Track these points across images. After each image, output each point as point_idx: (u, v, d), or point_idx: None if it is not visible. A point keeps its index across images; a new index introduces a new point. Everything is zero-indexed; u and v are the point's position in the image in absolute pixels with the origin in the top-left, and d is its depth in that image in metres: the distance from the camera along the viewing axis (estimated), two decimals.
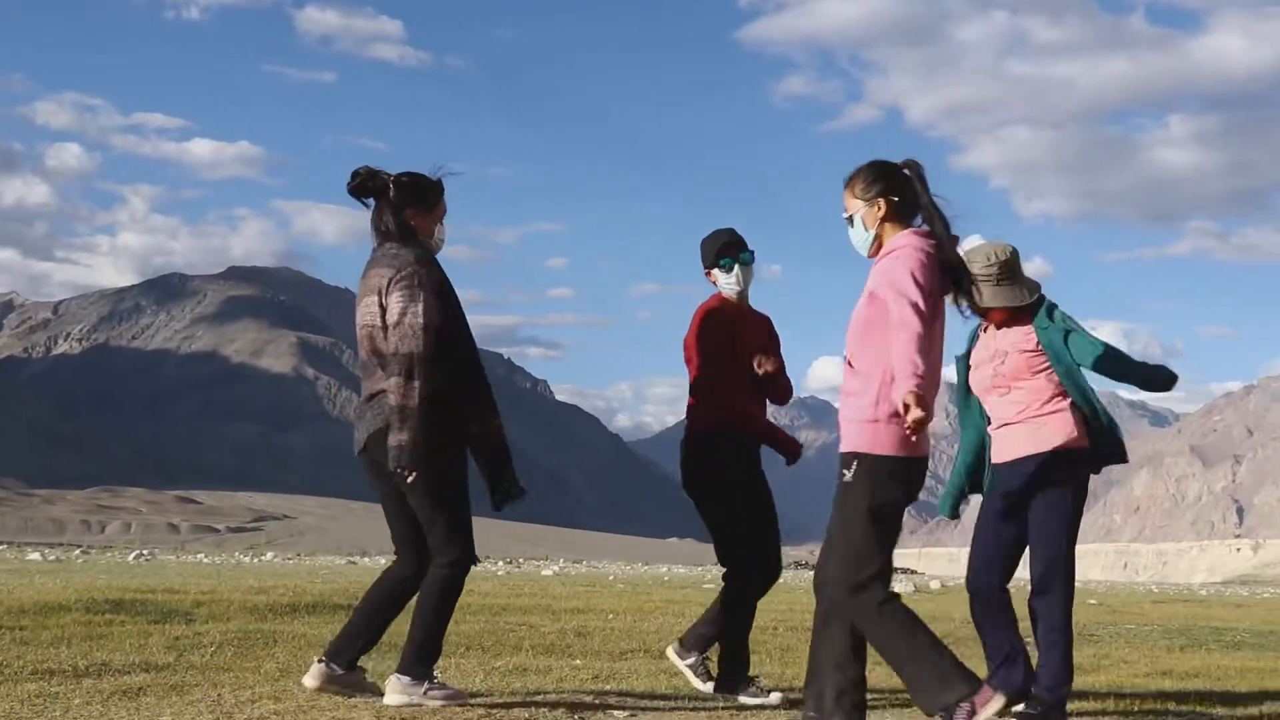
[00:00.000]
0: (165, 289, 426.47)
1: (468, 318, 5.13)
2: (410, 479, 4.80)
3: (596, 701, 5.37)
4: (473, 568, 5.11)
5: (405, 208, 5.03)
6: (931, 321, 4.23)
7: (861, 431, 4.28)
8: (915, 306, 4.13)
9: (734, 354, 5.54)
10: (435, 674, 5.08)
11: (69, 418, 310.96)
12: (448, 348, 4.89)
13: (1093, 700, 6.08)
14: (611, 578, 24.75)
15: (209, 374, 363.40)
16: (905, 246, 4.31)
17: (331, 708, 4.94)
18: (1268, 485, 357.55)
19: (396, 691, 4.96)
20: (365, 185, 5.05)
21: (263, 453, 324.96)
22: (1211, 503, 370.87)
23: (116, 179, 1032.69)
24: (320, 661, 5.12)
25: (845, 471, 4.28)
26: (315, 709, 4.90)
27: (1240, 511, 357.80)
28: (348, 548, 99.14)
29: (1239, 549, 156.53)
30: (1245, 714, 5.70)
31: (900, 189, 4.43)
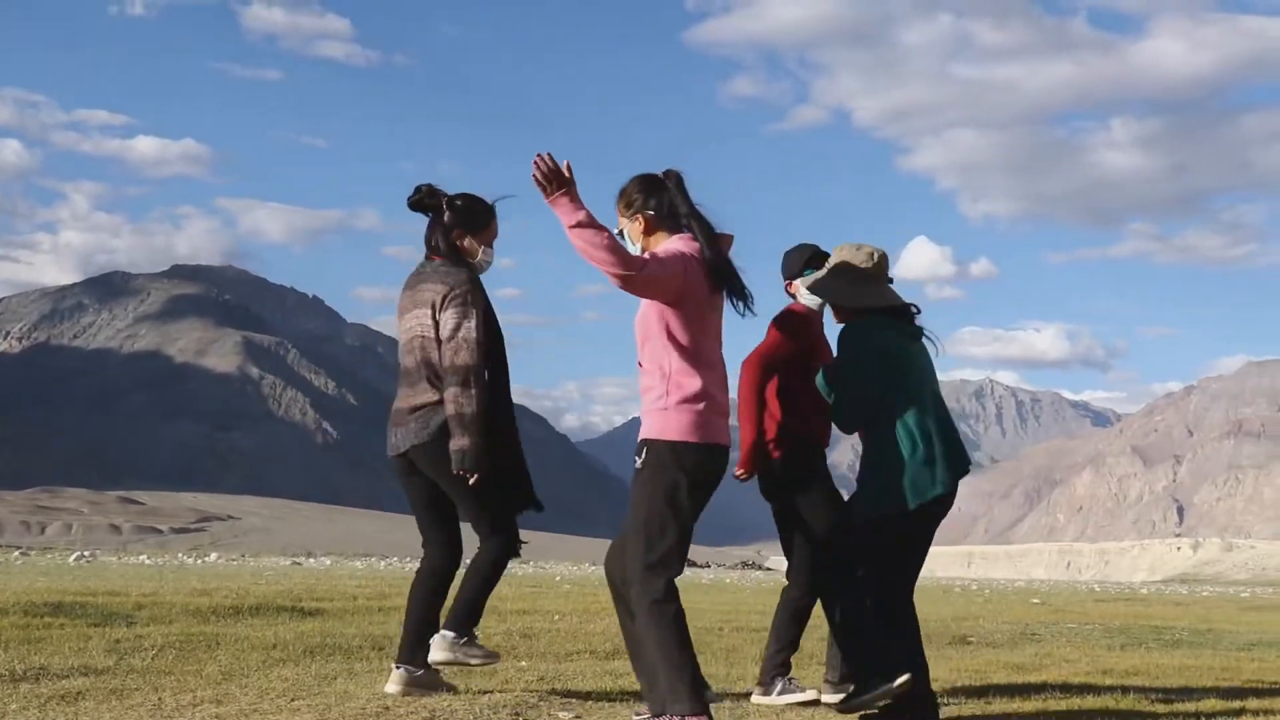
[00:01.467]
0: (108, 287, 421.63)
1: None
2: (472, 481, 5.23)
3: (542, 703, 5.37)
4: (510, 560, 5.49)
5: (455, 228, 5.47)
6: (696, 319, 4.51)
7: (652, 420, 4.51)
8: (641, 257, 4.43)
9: (810, 365, 5.71)
10: (476, 634, 5.47)
11: (9, 417, 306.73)
12: (491, 366, 5.36)
13: (1035, 699, 6.15)
14: (558, 578, 24.72)
15: (152, 373, 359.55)
16: (663, 248, 4.56)
17: (274, 711, 4.91)
18: (1207, 485, 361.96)
19: (441, 648, 5.33)
20: (423, 203, 5.52)
21: (207, 453, 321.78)
22: (1152, 502, 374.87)
23: (58, 176, 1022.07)
24: (398, 667, 5.44)
25: (637, 458, 4.51)
26: (257, 712, 4.87)
27: (1180, 511, 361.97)
28: (293, 549, 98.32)
29: (1179, 548, 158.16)
30: (1182, 710, 5.78)
31: (659, 201, 4.66)
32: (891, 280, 5.30)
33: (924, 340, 5.26)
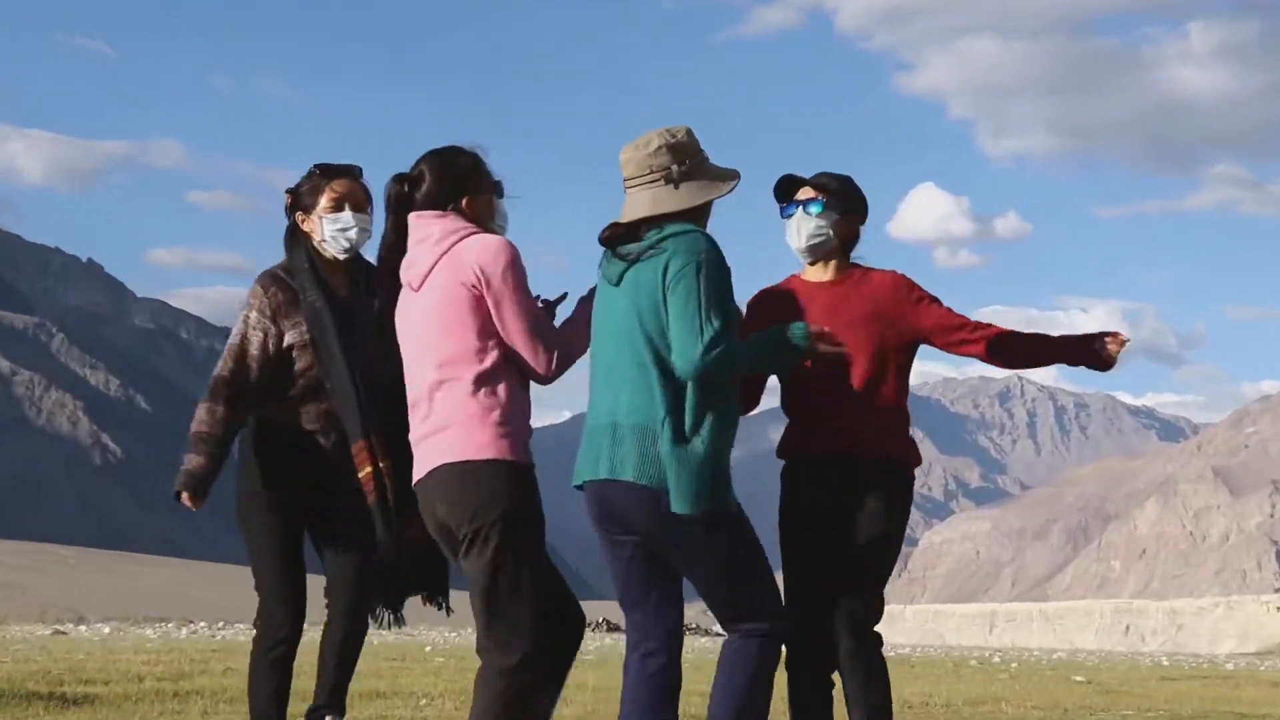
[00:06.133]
0: None
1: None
2: (183, 501, 6.03)
3: None
4: (276, 632, 6.18)
5: (295, 210, 6.28)
6: None
7: None
8: None
9: None
10: None
11: None
12: (293, 376, 6.11)
13: None
14: (429, 648, 24.67)
15: None
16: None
17: None
18: None
19: None
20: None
21: None
22: (1243, 544, 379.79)
23: None
24: None
25: None
26: None
27: None
28: (56, 611, 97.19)
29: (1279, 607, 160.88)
30: None
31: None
32: (664, 177, 5.14)
33: (631, 271, 5.14)
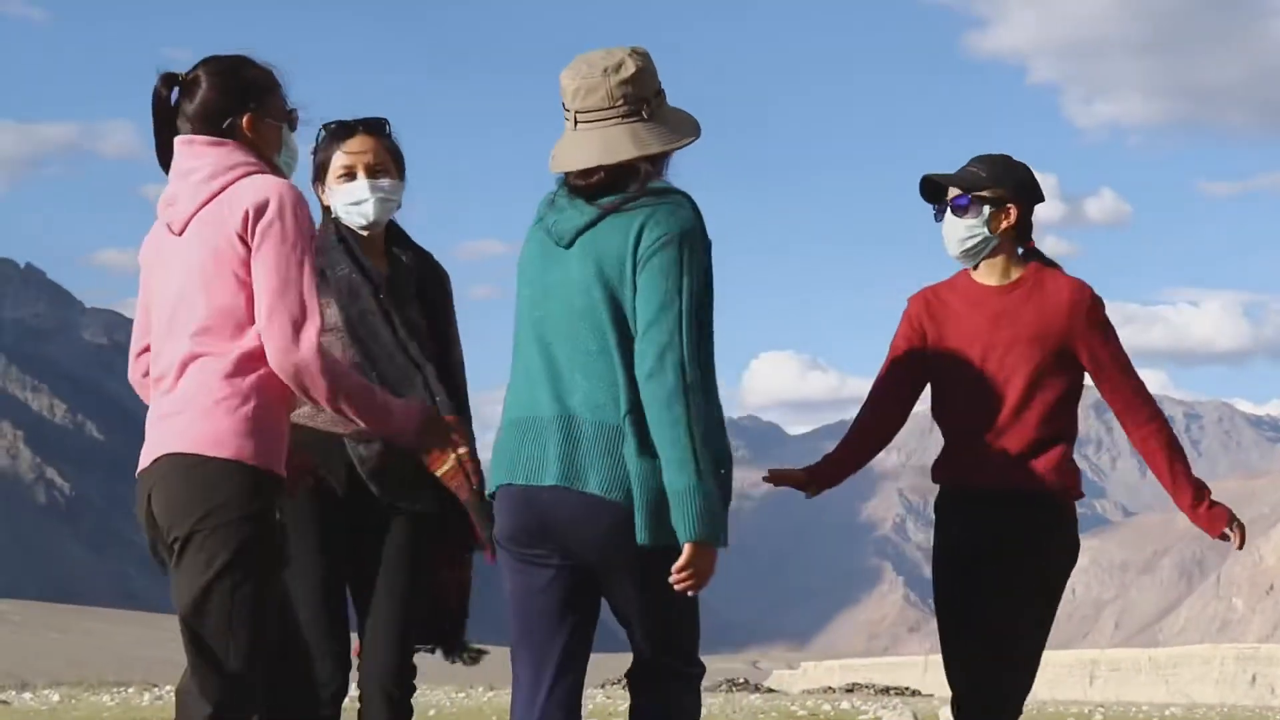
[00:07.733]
0: None
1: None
2: None
3: None
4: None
5: (316, 180, 5.93)
6: None
7: None
8: None
9: (933, 364, 5.89)
10: None
11: None
12: None
13: None
14: (432, 712, 24.68)
15: None
16: None
17: None
18: None
19: None
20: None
21: None
22: None
23: None
24: None
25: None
26: None
27: None
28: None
29: None
30: None
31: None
32: (642, 109, 4.79)
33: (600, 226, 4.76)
